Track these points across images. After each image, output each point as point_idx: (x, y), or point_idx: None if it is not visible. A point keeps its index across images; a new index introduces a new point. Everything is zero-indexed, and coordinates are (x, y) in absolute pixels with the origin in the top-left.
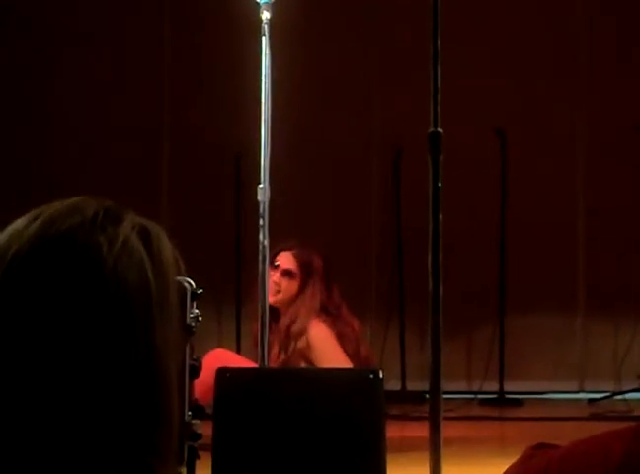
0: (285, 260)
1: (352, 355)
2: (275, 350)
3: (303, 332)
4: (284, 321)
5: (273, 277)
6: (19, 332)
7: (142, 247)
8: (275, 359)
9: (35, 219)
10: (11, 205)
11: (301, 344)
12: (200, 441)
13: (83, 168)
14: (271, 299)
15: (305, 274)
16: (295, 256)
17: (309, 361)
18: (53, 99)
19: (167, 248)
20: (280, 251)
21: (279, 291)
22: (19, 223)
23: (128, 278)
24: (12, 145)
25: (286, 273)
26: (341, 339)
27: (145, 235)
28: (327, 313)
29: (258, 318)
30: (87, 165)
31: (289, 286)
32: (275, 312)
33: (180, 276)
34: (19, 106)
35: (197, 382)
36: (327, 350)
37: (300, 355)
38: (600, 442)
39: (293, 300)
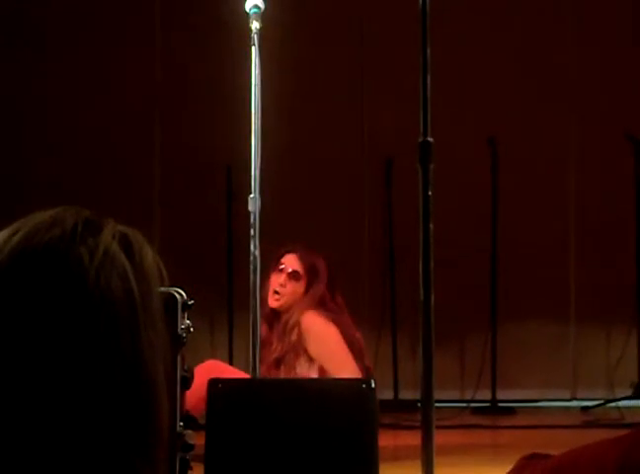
0: (291, 262)
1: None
2: (274, 350)
3: (296, 324)
4: (284, 318)
5: (279, 280)
6: (3, 345)
7: (124, 255)
8: (271, 359)
9: (15, 233)
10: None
11: (294, 337)
12: (192, 452)
13: (75, 180)
14: (274, 304)
15: (311, 276)
16: (301, 258)
17: (307, 354)
18: (46, 111)
19: (149, 254)
20: (284, 254)
21: (282, 294)
22: None
23: (112, 288)
24: (4, 158)
25: (293, 275)
26: (343, 334)
27: (126, 243)
28: (327, 310)
29: (255, 324)
30: (78, 176)
31: (295, 288)
32: (279, 316)
33: (163, 281)
34: (11, 120)
35: (188, 393)
36: (323, 334)
37: (294, 350)
38: (592, 452)
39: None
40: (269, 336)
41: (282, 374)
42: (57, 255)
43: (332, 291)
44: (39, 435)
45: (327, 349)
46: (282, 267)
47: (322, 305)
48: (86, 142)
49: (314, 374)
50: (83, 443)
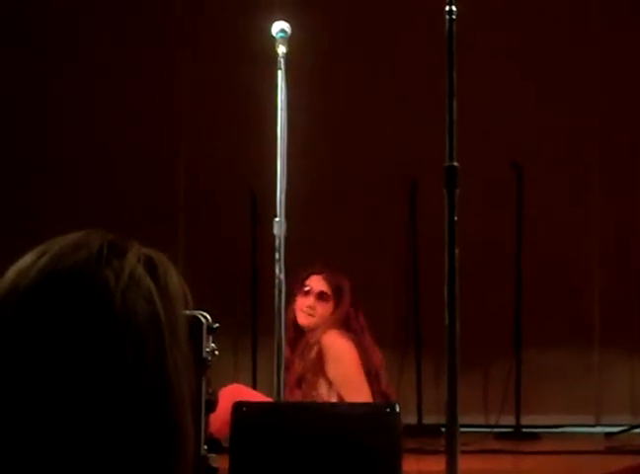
0: (318, 283)
1: (370, 382)
2: (295, 369)
3: (317, 342)
4: (307, 337)
5: (307, 302)
6: (31, 368)
7: (149, 278)
8: (293, 379)
9: (42, 255)
10: (20, 243)
11: (313, 355)
12: None
13: (97, 205)
14: (305, 321)
15: (337, 296)
16: (327, 279)
17: (325, 376)
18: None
19: (174, 277)
20: (309, 275)
21: (312, 315)
22: (26, 260)
23: (137, 311)
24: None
25: (321, 296)
26: (361, 358)
27: (151, 265)
28: (349, 330)
29: (280, 347)
30: (101, 201)
31: (324, 309)
32: (302, 335)
33: (188, 304)
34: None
35: (212, 417)
36: (341, 355)
37: (313, 369)
38: None
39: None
40: (291, 358)
41: (303, 393)
42: (84, 278)
43: (356, 311)
44: (64, 458)
45: (342, 371)
46: (308, 288)
47: (345, 325)
48: (109, 165)
49: (333, 398)
50: (109, 466)
